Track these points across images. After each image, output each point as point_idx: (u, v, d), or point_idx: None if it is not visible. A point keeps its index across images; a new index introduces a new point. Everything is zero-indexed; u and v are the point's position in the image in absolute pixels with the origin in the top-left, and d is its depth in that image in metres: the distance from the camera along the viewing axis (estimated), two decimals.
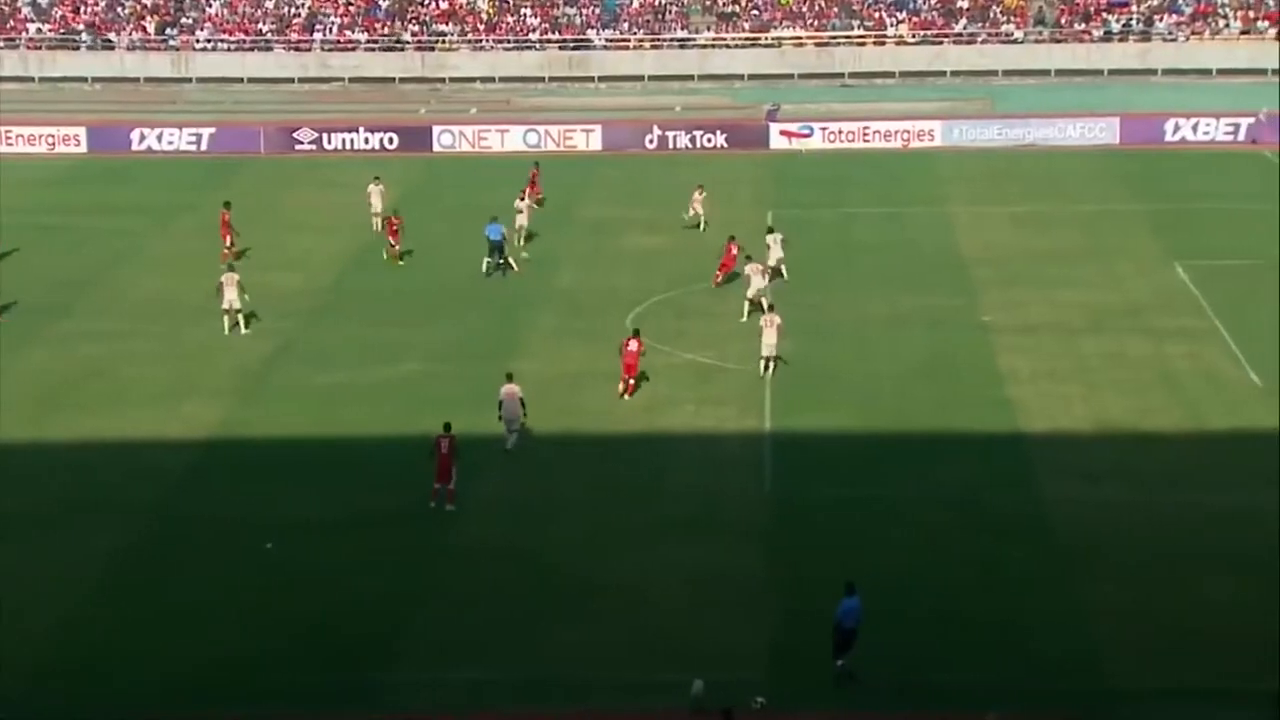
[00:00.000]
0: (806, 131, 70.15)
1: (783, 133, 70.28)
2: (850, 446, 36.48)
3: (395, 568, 30.97)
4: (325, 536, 32.40)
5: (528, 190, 56.71)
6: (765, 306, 43.10)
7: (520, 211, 53.22)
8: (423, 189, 62.61)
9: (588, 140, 70.28)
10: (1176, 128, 68.66)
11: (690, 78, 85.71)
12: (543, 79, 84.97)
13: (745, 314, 44.24)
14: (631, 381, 39.30)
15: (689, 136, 70.14)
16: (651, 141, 70.11)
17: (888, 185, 61.86)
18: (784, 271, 49.07)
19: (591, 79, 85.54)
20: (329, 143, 69.89)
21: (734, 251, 50.10)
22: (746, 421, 37.90)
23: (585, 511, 33.37)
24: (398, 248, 51.29)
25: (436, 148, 69.82)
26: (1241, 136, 67.91)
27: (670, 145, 69.96)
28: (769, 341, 40.71)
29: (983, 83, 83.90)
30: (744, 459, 35.84)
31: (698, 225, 54.11)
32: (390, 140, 69.91)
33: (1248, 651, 27.24)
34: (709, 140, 69.97)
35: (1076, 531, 31.78)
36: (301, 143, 69.91)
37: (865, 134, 69.87)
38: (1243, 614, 28.13)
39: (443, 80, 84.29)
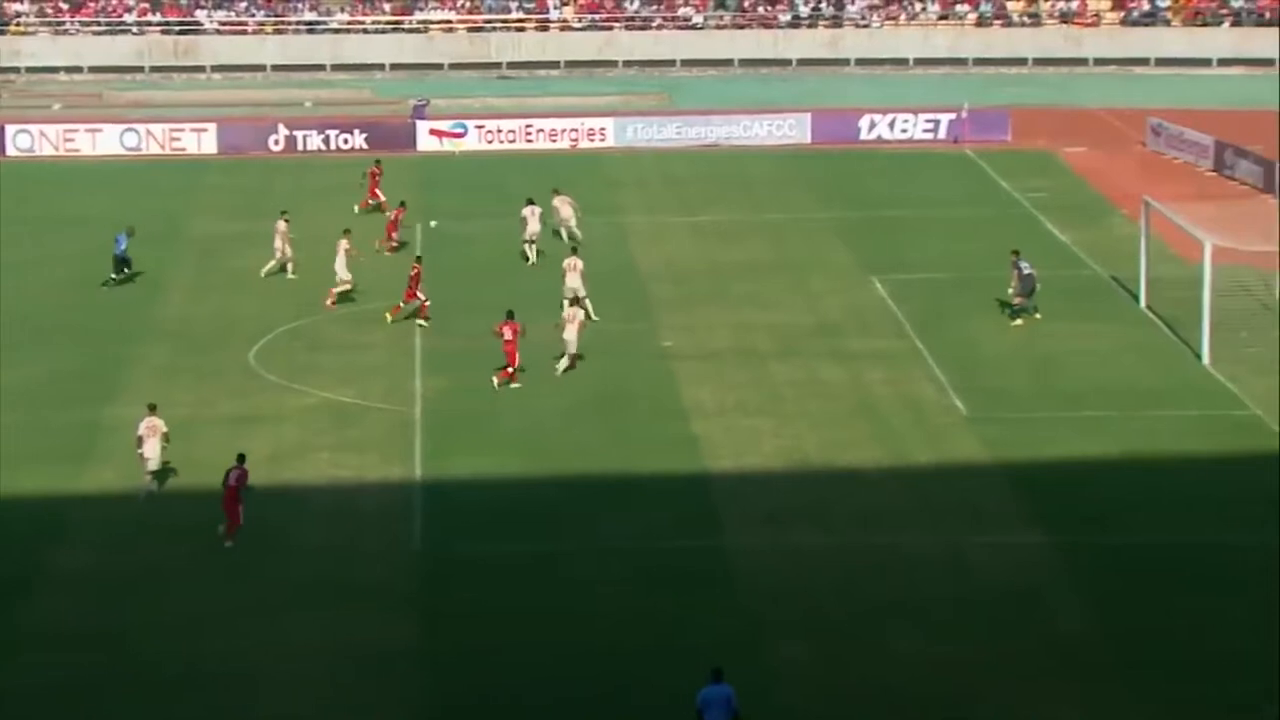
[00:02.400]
0: (460, 130, 70.52)
1: (432, 132, 70.49)
2: (514, 494, 36.76)
3: None
4: None
5: (368, 198, 55.87)
6: (570, 300, 45.02)
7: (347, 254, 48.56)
8: None
9: (199, 142, 69.14)
10: (872, 125, 71.45)
11: (322, 67, 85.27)
12: (142, 69, 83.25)
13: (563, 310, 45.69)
14: (510, 370, 41.76)
15: (322, 137, 69.72)
16: (277, 143, 69.42)
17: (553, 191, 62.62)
18: (531, 254, 51.71)
19: (202, 69, 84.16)
20: None
21: (399, 217, 52.83)
22: (392, 469, 37.81)
23: (192, 583, 32.71)
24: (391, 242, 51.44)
25: (11, 151, 67.70)
26: (942, 134, 71.08)
27: (299, 147, 69.41)
28: (569, 338, 42.66)
29: (659, 74, 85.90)
30: (390, 513, 35.73)
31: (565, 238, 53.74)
32: None
33: (947, 715, 28.37)
34: (346, 141, 69.68)
35: (764, 583, 32.61)
36: None
37: (527, 133, 70.67)
38: (942, 671, 29.31)
39: (17, 70, 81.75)
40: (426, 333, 46.78)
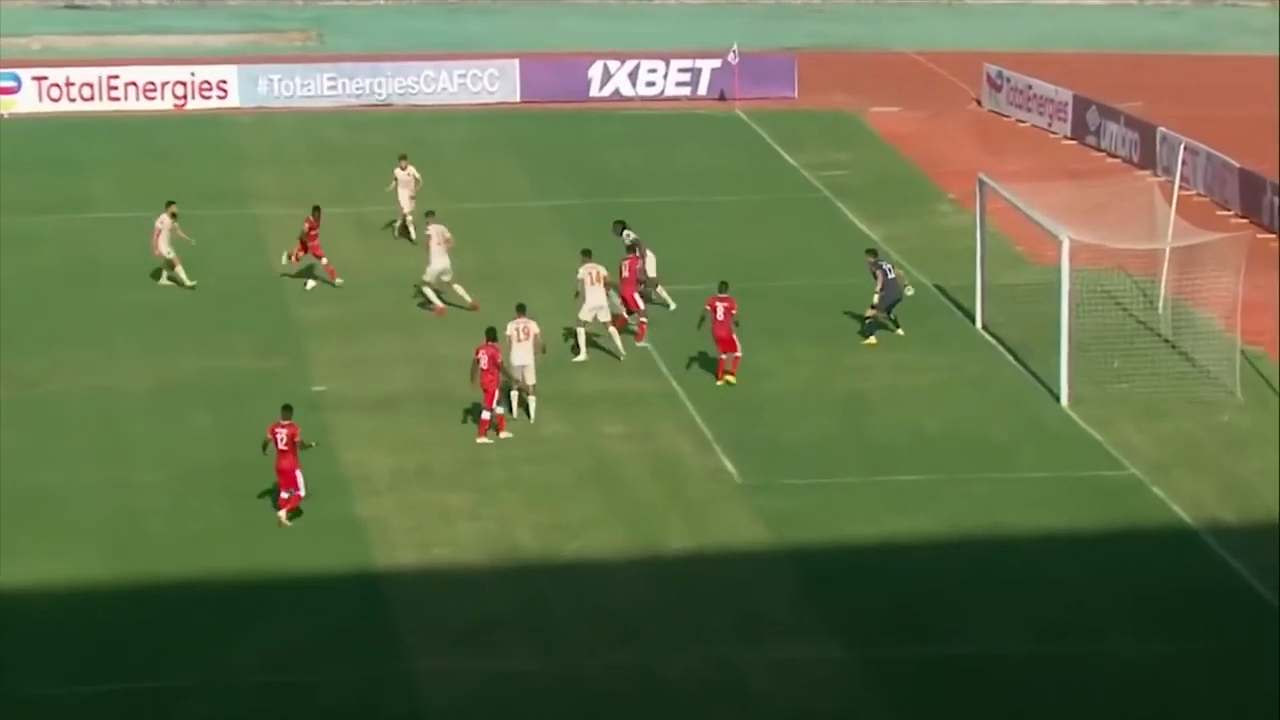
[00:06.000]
0: (11, 84, 69.70)
1: None
2: (99, 607, 36.46)
3: None
4: None
5: (297, 252, 53.14)
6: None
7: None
8: None
9: None
10: (607, 76, 72.23)
11: None
12: None
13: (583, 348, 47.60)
14: (488, 416, 43.02)
15: None
16: None
17: (153, 171, 62.23)
18: (662, 292, 50.67)
19: None
20: None
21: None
22: None
23: None
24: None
25: None
26: (704, 89, 72.12)
27: None
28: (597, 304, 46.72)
29: (303, 3, 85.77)
30: None
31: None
32: None
33: None
34: None
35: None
36: None
37: (112, 87, 70.13)
38: None
39: None
40: None
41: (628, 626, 35.84)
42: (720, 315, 45.80)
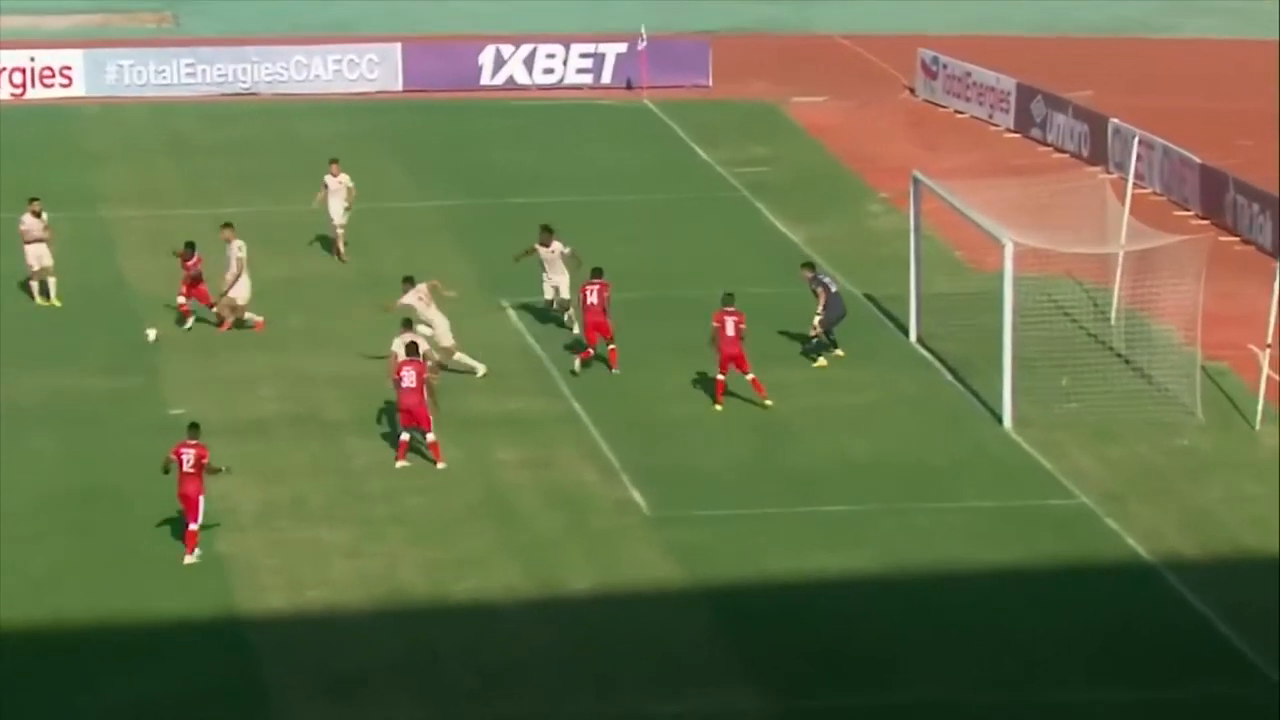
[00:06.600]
0: None
1: None
2: None
3: None
4: None
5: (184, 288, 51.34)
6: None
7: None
8: None
9: None
10: (500, 62, 72.32)
11: None
12: None
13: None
14: (431, 439, 42.93)
15: None
16: None
17: None
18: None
19: None
20: None
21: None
22: None
23: None
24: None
25: None
26: (608, 77, 72.27)
27: None
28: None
29: None
30: None
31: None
32: None
33: None
34: None
35: None
36: None
37: None
38: None
39: None
40: None
41: (524, 675, 35.87)
42: (731, 330, 45.63)
